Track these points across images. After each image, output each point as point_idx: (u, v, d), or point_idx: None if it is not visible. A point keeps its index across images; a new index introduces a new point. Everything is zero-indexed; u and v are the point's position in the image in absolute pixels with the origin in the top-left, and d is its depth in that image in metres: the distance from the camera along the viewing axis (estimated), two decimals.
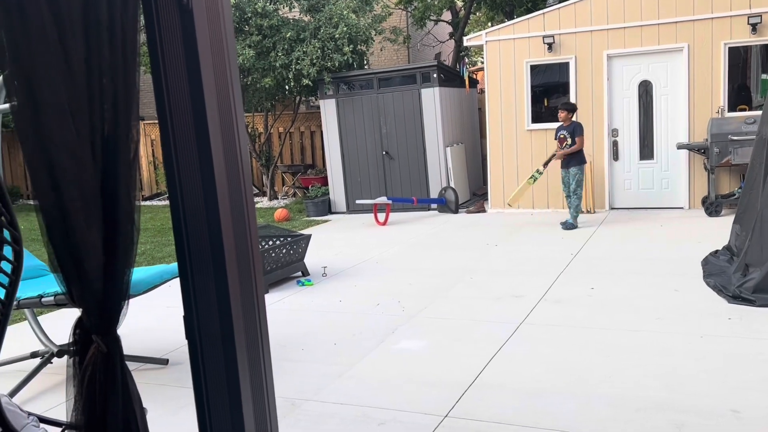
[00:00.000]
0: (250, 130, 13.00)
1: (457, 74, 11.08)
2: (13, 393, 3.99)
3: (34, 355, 4.50)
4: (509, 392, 3.69)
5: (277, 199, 13.17)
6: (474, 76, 12.96)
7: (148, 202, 14.85)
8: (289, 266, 6.62)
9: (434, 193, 10.82)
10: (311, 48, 10.77)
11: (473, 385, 3.82)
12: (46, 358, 4.37)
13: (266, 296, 6.06)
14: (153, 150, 15.09)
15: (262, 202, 13.05)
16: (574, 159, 8.32)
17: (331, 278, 6.68)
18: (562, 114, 8.36)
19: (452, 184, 10.76)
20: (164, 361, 4.45)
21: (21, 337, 5.07)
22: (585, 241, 7.67)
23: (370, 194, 11.08)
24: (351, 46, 11.03)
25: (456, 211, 10.43)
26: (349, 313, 5.42)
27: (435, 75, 10.62)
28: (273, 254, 6.38)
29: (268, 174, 13.06)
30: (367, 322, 5.14)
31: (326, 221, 10.63)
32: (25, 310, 4.72)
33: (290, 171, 13.41)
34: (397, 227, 9.58)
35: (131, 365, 4.48)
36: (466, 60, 11.21)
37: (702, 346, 4.20)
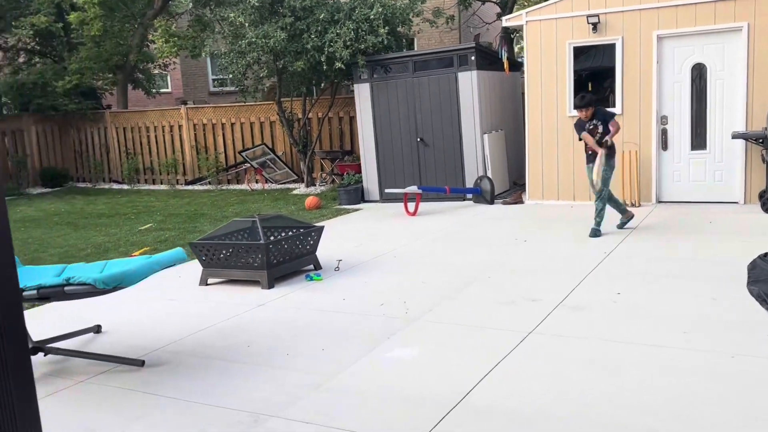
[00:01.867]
0: (287, 115, 12.75)
1: (497, 56, 10.50)
2: None
3: None
4: (497, 416, 3.27)
5: (314, 185, 12.91)
6: (520, 59, 12.32)
7: (189, 187, 14.88)
8: (298, 259, 6.31)
9: (470, 183, 10.32)
10: (345, 30, 10.39)
11: (459, 405, 3.41)
12: None
13: (269, 291, 5.79)
14: (195, 134, 15.05)
15: (299, 189, 12.82)
16: (607, 152, 7.14)
17: (343, 273, 6.34)
18: (585, 113, 7.12)
19: (489, 173, 10.24)
20: (140, 363, 4.21)
21: None
22: (623, 238, 7.08)
23: (403, 182, 10.67)
24: (387, 27, 10.59)
25: (491, 202, 9.92)
26: (348, 313, 5.07)
27: (473, 57, 10.08)
28: (280, 246, 6.08)
29: (305, 160, 12.81)
30: (365, 324, 4.78)
31: (357, 210, 10.29)
32: None
33: (328, 157, 13.12)
34: (426, 218, 9.16)
35: (101, 367, 4.29)
36: (505, 41, 10.58)
37: (731, 367, 3.66)
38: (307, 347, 4.39)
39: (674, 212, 8.38)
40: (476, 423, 3.21)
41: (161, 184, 15.56)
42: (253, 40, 10.68)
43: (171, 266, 4.38)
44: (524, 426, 3.15)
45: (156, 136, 15.59)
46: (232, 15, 11.09)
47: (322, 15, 10.59)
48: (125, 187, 15.76)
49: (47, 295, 3.83)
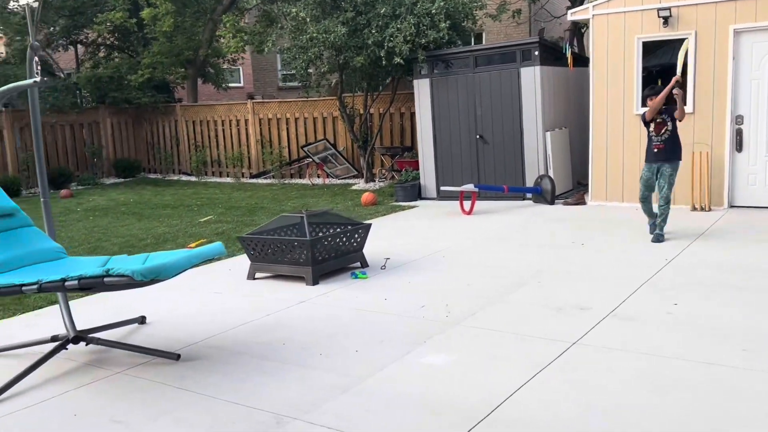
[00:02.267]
0: (348, 111, 12.74)
1: (562, 51, 10.13)
2: (19, 377, 3.92)
3: (54, 339, 4.44)
4: None
5: (374, 181, 12.86)
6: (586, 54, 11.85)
7: (253, 180, 15.11)
8: (344, 256, 6.25)
9: (530, 182, 10.02)
10: (405, 24, 10.25)
11: (488, 417, 3.25)
12: (60, 344, 4.29)
13: (313, 288, 5.76)
14: (261, 129, 15.26)
15: (358, 185, 12.80)
16: (674, 152, 6.80)
17: (389, 272, 6.24)
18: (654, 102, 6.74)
19: (551, 173, 9.91)
20: (175, 356, 4.23)
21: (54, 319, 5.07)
22: (687, 244, 6.68)
23: (461, 180, 10.47)
24: (448, 22, 10.39)
25: (552, 202, 9.60)
26: (388, 314, 4.96)
27: (536, 52, 9.76)
28: (326, 243, 6.03)
29: (365, 156, 12.77)
30: (403, 326, 4.66)
31: (412, 207, 10.17)
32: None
33: (388, 153, 13.04)
34: (482, 217, 8.94)
35: (139, 359, 4.34)
36: (570, 35, 10.18)
37: None
38: (341, 348, 4.31)
39: (747, 218, 7.86)
40: None
41: (227, 176, 15.87)
42: (314, 35, 10.69)
43: (210, 260, 4.39)
44: None
45: (223, 130, 15.91)
46: (294, 10, 11.14)
47: (384, 9, 10.49)
48: (193, 179, 16.16)
49: (88, 285, 3.88)
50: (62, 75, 18.52)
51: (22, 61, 16.56)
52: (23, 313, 5.58)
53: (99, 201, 12.93)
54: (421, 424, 3.23)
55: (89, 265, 4.45)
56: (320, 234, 6.34)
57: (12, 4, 17.83)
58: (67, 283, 3.89)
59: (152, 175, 17.17)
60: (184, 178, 16.43)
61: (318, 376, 3.86)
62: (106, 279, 3.80)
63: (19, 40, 17.40)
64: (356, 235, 6.33)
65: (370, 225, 6.53)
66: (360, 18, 10.73)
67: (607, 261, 6.21)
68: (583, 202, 9.46)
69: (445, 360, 4.01)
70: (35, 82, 4.12)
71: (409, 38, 10.25)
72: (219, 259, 7.16)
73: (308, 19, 10.93)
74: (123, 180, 16.62)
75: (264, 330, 4.76)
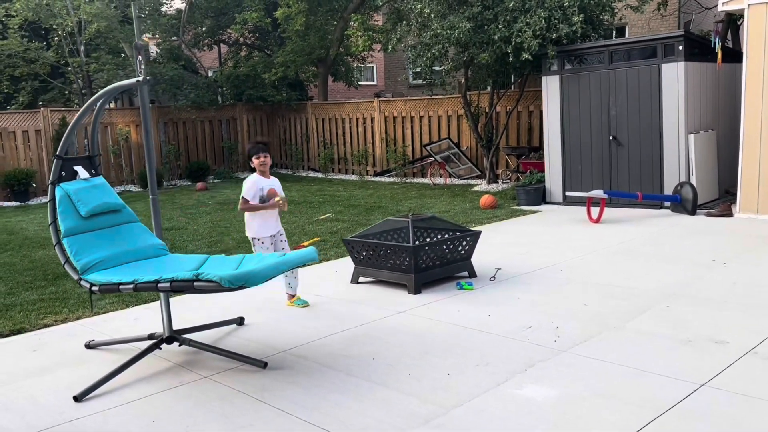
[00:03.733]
0: (473, 109, 12.32)
1: (709, 45, 9.08)
2: (113, 375, 3.95)
3: (151, 337, 4.47)
4: None
5: (497, 182, 12.36)
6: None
7: (377, 178, 15.08)
8: (450, 265, 5.90)
9: (669, 189, 9.11)
10: (536, 18, 9.67)
11: None
12: (154, 344, 4.30)
13: (414, 297, 5.48)
14: (386, 127, 15.19)
15: (481, 186, 12.35)
16: None
17: (498, 284, 5.81)
18: None
19: (693, 179, 8.94)
20: (262, 365, 4.10)
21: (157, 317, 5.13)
22: None
23: (591, 185, 9.74)
24: (582, 15, 9.68)
25: (693, 212, 8.65)
26: (489, 333, 4.56)
27: (680, 47, 8.83)
28: (430, 250, 5.71)
29: (488, 155, 12.29)
30: (504, 350, 4.24)
31: (535, 212, 9.58)
32: None
33: (513, 153, 12.47)
34: (611, 226, 8.21)
35: (227, 363, 4.25)
36: (720, 28, 9.10)
37: None
38: (431, 369, 3.98)
39: None
40: None
41: (352, 174, 15.96)
42: (438, 31, 10.37)
43: (301, 266, 4.23)
44: None
45: (350, 128, 16.02)
46: (419, 6, 10.88)
47: (512, 3, 9.96)
48: (320, 175, 16.42)
49: (180, 288, 3.84)
50: (204, 73, 19.50)
51: (169, 60, 17.62)
52: (136, 305, 5.73)
53: (230, 195, 13.40)
54: None
55: (186, 265, 4.43)
56: (426, 240, 6.02)
57: (163, 8, 19.04)
58: (159, 285, 3.86)
59: (283, 171, 17.64)
60: (312, 174, 16.73)
61: (401, 401, 3.56)
62: (196, 283, 3.74)
63: (168, 41, 18.54)
64: (464, 243, 5.95)
65: (479, 233, 6.12)
66: (486, 12, 10.27)
67: (752, 285, 5.40)
68: (730, 214, 8.44)
69: (546, 395, 3.56)
70: (138, 81, 4.13)
71: (538, 33, 9.66)
72: (327, 260, 7.07)
73: (432, 15, 10.63)
74: None
75: (355, 341, 4.53)
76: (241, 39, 19.73)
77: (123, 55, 17.15)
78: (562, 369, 3.89)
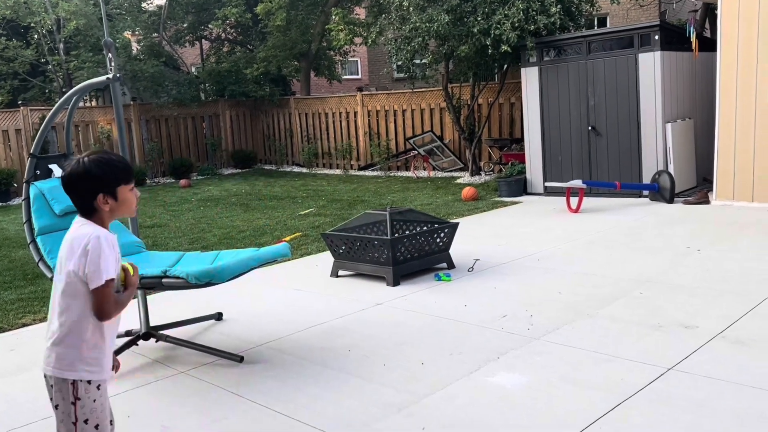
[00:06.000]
0: (455, 102, 12.36)
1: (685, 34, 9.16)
2: None
3: (128, 333, 4.49)
4: None
5: (480, 174, 12.42)
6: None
7: (361, 172, 15.10)
8: (428, 257, 5.95)
9: (648, 178, 9.20)
10: (514, 10, 9.71)
11: None
12: (131, 340, 4.32)
13: (392, 289, 5.53)
14: (369, 121, 15.21)
15: (463, 178, 12.41)
16: None
17: (476, 274, 5.86)
18: None
19: (671, 168, 9.04)
20: (238, 359, 4.13)
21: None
22: None
23: (571, 175, 9.82)
24: (559, 6, 9.74)
25: (670, 201, 8.75)
26: (464, 323, 4.62)
27: (656, 36, 8.92)
28: (408, 242, 5.76)
29: (471, 148, 12.35)
30: (478, 338, 4.30)
31: (515, 203, 9.65)
32: None
33: (496, 145, 12.54)
34: (589, 216, 8.30)
35: (204, 359, 4.28)
36: (696, 18, 9.19)
37: None
38: (406, 359, 4.03)
39: None
40: None
41: (336, 168, 15.98)
42: (418, 24, 10.40)
43: (272, 262, 4.25)
44: None
45: (334, 122, 16.02)
46: None
47: None
48: (304, 170, 16.42)
49: (149, 285, 3.87)
50: (186, 70, 19.40)
51: (150, 57, 17.53)
52: None
53: (213, 191, 13.39)
54: None
55: (161, 262, 4.45)
56: (405, 233, 6.07)
57: (144, 4, 18.92)
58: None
59: (267, 166, 17.63)
60: (297, 169, 16.73)
61: (375, 391, 3.61)
62: (164, 280, 3.77)
63: (149, 38, 18.43)
64: (442, 235, 6.00)
65: (457, 224, 6.17)
66: (465, 5, 10.30)
67: (724, 271, 5.49)
68: (707, 202, 8.55)
69: (517, 381, 3.62)
70: (108, 78, 4.14)
71: (517, 25, 9.71)
72: (308, 254, 7.10)
73: (411, 8, 10.65)
74: (239, 171, 17.19)
75: (333, 334, 4.58)
76: (223, 35, 19.65)
77: (103, 52, 17.05)
78: (533, 356, 3.95)
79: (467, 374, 3.75)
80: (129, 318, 5.11)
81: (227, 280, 3.79)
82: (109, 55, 4.14)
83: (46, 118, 4.46)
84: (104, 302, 2.17)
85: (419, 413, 3.32)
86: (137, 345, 4.38)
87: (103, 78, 4.15)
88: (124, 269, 2.31)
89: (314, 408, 3.46)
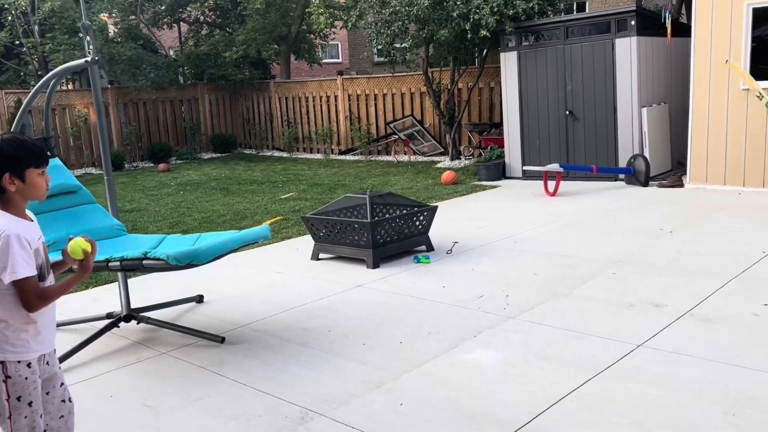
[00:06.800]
0: (435, 86, 12.41)
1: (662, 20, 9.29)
2: (70, 353, 4.01)
3: (109, 316, 4.53)
4: None
5: (460, 159, 12.51)
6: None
7: (342, 156, 15.12)
8: (408, 240, 6.03)
9: (624, 162, 9.35)
10: None
11: (523, 428, 2.97)
12: (112, 322, 4.36)
13: (372, 272, 5.60)
14: (350, 105, 15.20)
15: (444, 162, 12.49)
16: None
17: (454, 257, 5.97)
18: None
19: (646, 152, 9.20)
20: (219, 339, 4.19)
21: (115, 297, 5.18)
22: None
23: (549, 159, 9.94)
24: None
25: (645, 184, 8.91)
26: (442, 303, 4.72)
27: (633, 22, 9.03)
28: (387, 225, 5.83)
29: (451, 132, 12.42)
30: (455, 318, 4.40)
31: (495, 187, 9.76)
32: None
33: (476, 129, 12.63)
34: (566, 199, 8.43)
35: (185, 340, 4.34)
36: (672, 3, 9.32)
37: None
38: (386, 338, 4.12)
39: None
40: None
41: (317, 153, 15.98)
42: (397, 8, 10.41)
43: (252, 244, 4.30)
44: None
45: (314, 106, 15.99)
46: None
47: None
48: (285, 155, 16.39)
49: (130, 266, 3.90)
50: (165, 53, 19.19)
51: (128, 40, 17.32)
52: (96, 286, 5.76)
53: (193, 176, 13.34)
54: (450, 431, 2.99)
55: (142, 245, 4.48)
56: (384, 216, 6.14)
57: None
58: (110, 264, 3.92)
59: (247, 151, 17.57)
60: (277, 153, 16.69)
61: (354, 369, 3.70)
62: (144, 261, 3.80)
63: (126, 20, 18.20)
64: (421, 218, 6.09)
65: (435, 207, 6.26)
66: None
67: (696, 252, 5.65)
68: (681, 185, 8.72)
69: (492, 358, 3.73)
70: (86, 61, 4.14)
71: (496, 9, 9.77)
72: (289, 238, 7.15)
73: None
74: (219, 155, 17.11)
75: (313, 314, 4.65)
76: (201, 17, 19.46)
77: (80, 35, 16.80)
78: (509, 334, 4.06)
79: (444, 352, 3.85)
80: (110, 300, 5.16)
81: (208, 262, 3.83)
82: (88, 38, 4.14)
83: (24, 102, 4.45)
84: (25, 297, 2.21)
85: (397, 389, 3.42)
86: (118, 327, 4.42)
87: (82, 61, 4.15)
88: (84, 252, 2.34)
89: (295, 386, 3.54)
